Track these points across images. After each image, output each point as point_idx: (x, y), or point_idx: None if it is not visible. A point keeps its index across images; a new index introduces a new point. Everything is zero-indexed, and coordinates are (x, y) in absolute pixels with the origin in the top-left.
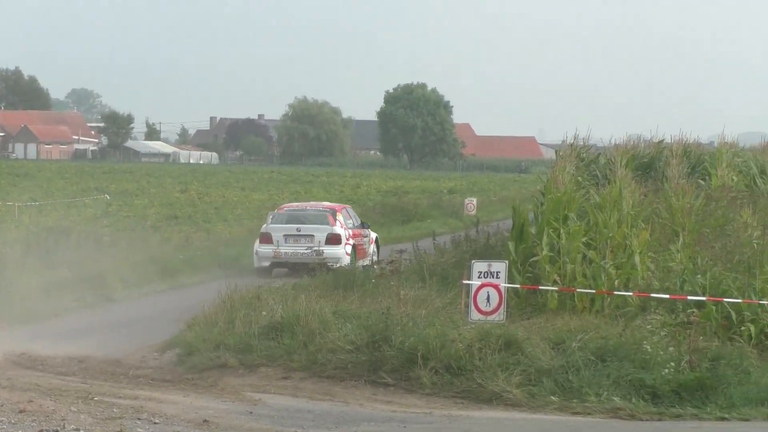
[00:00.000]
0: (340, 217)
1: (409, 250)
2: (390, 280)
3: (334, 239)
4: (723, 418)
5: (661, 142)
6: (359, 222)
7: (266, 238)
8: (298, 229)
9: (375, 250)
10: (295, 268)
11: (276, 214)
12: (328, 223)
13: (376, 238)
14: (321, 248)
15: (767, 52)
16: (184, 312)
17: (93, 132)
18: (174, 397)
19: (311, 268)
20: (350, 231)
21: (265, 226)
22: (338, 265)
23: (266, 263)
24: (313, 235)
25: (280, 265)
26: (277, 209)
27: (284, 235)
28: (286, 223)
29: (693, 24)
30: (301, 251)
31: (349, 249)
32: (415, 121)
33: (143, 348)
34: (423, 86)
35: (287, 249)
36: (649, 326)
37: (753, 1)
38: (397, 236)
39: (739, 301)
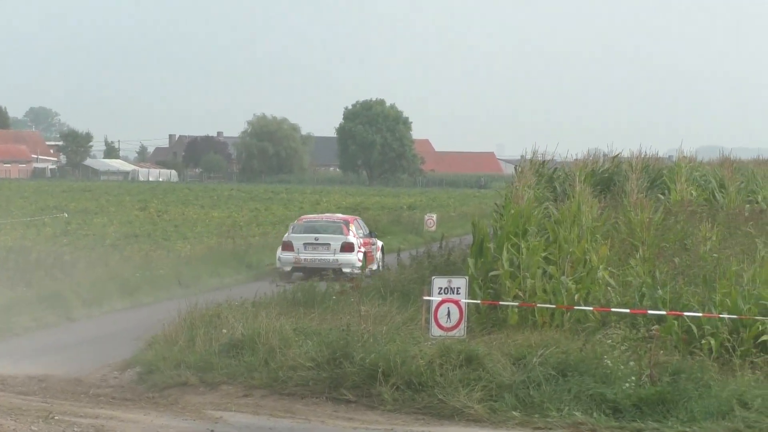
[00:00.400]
0: (352, 227)
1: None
2: (350, 297)
3: (348, 247)
4: None
5: (617, 156)
6: (368, 231)
7: (288, 246)
8: (316, 238)
9: (380, 256)
10: (313, 272)
11: (296, 224)
12: (342, 233)
13: (382, 245)
14: (336, 255)
15: (724, 67)
16: (144, 330)
17: (52, 150)
18: (135, 416)
19: (328, 272)
20: (361, 240)
21: (286, 235)
22: (351, 270)
23: (288, 268)
24: (329, 244)
25: (299, 269)
26: (296, 220)
27: (304, 243)
28: (304, 233)
29: (650, 40)
30: (319, 257)
31: (360, 256)
32: (374, 137)
33: (104, 367)
34: (382, 102)
35: (306, 255)
36: (609, 341)
37: (709, 16)
38: None
39: (699, 315)
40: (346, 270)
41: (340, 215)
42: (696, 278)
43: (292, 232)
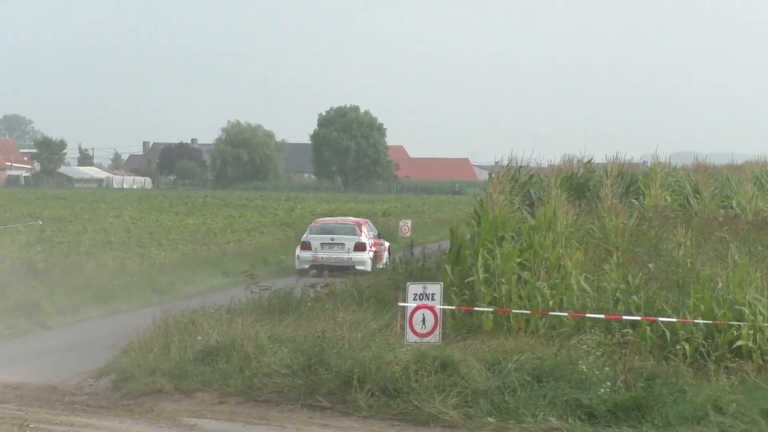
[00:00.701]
0: (364, 229)
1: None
2: (326, 303)
3: (360, 247)
4: None
5: (589, 162)
6: (377, 233)
7: (306, 246)
8: (332, 239)
9: (387, 255)
10: (328, 269)
11: (313, 226)
12: (355, 234)
13: (389, 246)
14: (350, 254)
15: (699, 73)
16: (119, 338)
17: (25, 158)
18: (110, 424)
19: (343, 269)
20: (372, 240)
21: (305, 235)
22: (363, 267)
23: (306, 265)
24: (344, 243)
25: (316, 267)
26: (313, 223)
27: (321, 243)
28: (321, 234)
29: (624, 47)
30: (334, 256)
31: (371, 254)
32: (349, 144)
33: (78, 374)
34: (356, 109)
35: (323, 254)
36: (584, 346)
37: (683, 23)
38: None
39: (674, 320)
40: (359, 267)
41: (352, 218)
42: (670, 283)
43: (310, 234)
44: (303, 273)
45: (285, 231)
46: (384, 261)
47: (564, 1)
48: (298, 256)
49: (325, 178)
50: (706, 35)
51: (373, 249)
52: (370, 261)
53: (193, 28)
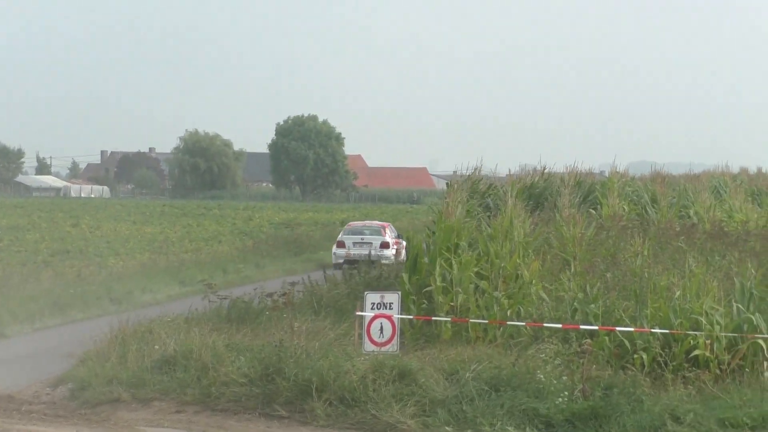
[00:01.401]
0: (387, 230)
1: (302, 282)
2: (283, 313)
3: (385, 245)
4: None
5: (544, 171)
6: (397, 234)
7: (341, 244)
8: (362, 238)
9: (405, 252)
10: (359, 264)
11: (346, 228)
12: (381, 234)
13: (406, 244)
14: (377, 251)
15: (657, 82)
16: (76, 347)
17: None
18: None
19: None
20: (394, 239)
21: (340, 236)
22: (387, 261)
23: (341, 260)
24: (371, 242)
25: (349, 262)
26: (346, 225)
27: (353, 242)
28: (353, 234)
29: (581, 57)
30: (364, 252)
31: (394, 251)
32: (307, 153)
33: (36, 383)
34: (314, 118)
35: (354, 251)
36: (542, 355)
37: (641, 31)
38: (291, 268)
39: (632, 329)
40: (384, 261)
41: (377, 222)
42: (628, 293)
43: (344, 234)
44: (338, 266)
45: (243, 240)
46: (402, 256)
47: (521, 12)
48: (335, 252)
49: (284, 188)
50: (662, 45)
51: (395, 246)
52: (393, 256)
53: (149, 36)
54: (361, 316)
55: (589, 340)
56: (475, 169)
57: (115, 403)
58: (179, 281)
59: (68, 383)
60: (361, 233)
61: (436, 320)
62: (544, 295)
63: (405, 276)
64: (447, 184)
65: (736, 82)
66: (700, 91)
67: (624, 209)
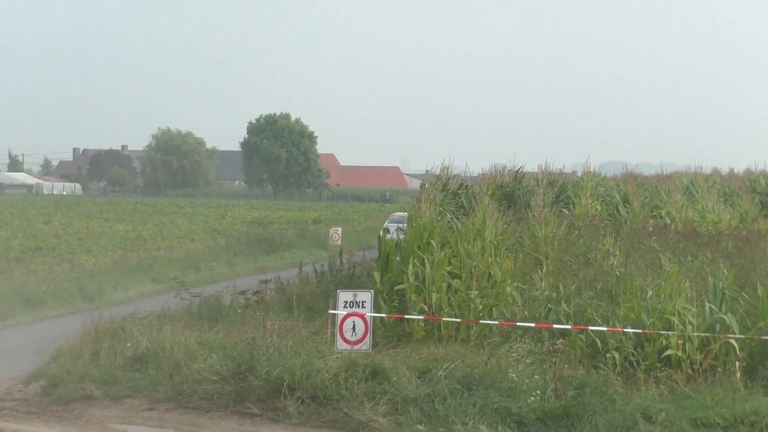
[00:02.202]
0: None
1: (275, 280)
2: (256, 311)
3: None
4: None
5: (517, 171)
6: None
7: (386, 231)
8: (403, 225)
9: None
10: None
11: (391, 217)
12: None
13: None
14: None
15: (630, 82)
16: (48, 344)
17: None
18: (39, 430)
19: None
20: None
21: (385, 224)
22: None
23: None
24: None
25: None
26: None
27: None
28: (396, 222)
29: (555, 57)
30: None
31: None
32: (279, 152)
33: (7, 380)
34: (287, 116)
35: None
36: (514, 354)
37: (616, 31)
38: (263, 266)
39: (604, 329)
40: None
41: None
42: (600, 293)
43: (389, 222)
44: None
45: (215, 238)
46: None
47: (493, 12)
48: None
49: (256, 186)
50: (635, 45)
51: None
52: None
53: (122, 34)
54: (334, 315)
55: (561, 340)
56: (444, 168)
57: (88, 400)
58: (151, 279)
59: (40, 380)
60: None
61: (408, 319)
62: (516, 294)
63: (377, 275)
64: (421, 183)
65: (708, 82)
66: (672, 91)
67: (596, 209)
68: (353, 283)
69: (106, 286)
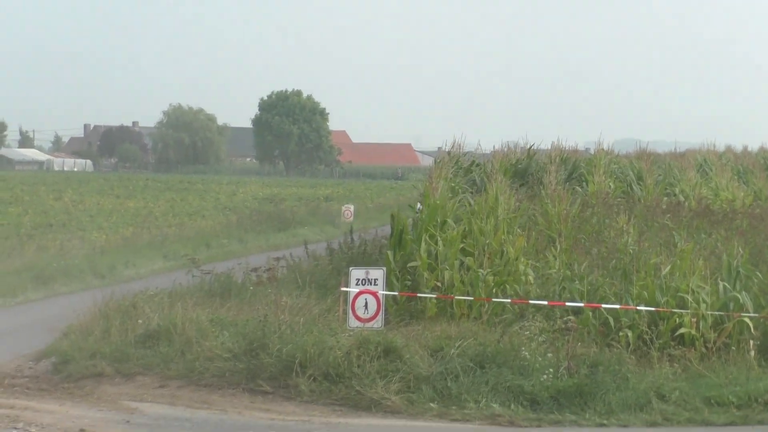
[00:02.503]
0: None
1: (287, 257)
2: (267, 288)
3: None
4: (602, 424)
5: (531, 147)
6: None
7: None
8: None
9: None
10: None
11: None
12: None
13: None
14: None
15: (641, 59)
16: (59, 320)
17: None
18: (50, 407)
19: None
20: None
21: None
22: None
23: None
24: None
25: None
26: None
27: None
28: None
29: (565, 34)
30: None
31: None
32: (291, 128)
33: (18, 357)
34: (298, 93)
35: None
36: (527, 332)
37: (621, 11)
38: (275, 243)
39: (617, 307)
40: None
41: None
42: (613, 271)
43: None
44: None
45: (227, 215)
46: None
47: None
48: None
49: (267, 163)
50: (644, 24)
51: None
52: None
53: (133, 9)
54: (346, 292)
55: (574, 318)
56: (456, 145)
57: (99, 377)
58: (163, 256)
59: (51, 357)
60: None
61: (420, 297)
62: (529, 272)
63: (389, 253)
64: (435, 160)
65: (722, 60)
66: (684, 69)
67: (610, 186)
68: (364, 260)
69: (117, 263)
